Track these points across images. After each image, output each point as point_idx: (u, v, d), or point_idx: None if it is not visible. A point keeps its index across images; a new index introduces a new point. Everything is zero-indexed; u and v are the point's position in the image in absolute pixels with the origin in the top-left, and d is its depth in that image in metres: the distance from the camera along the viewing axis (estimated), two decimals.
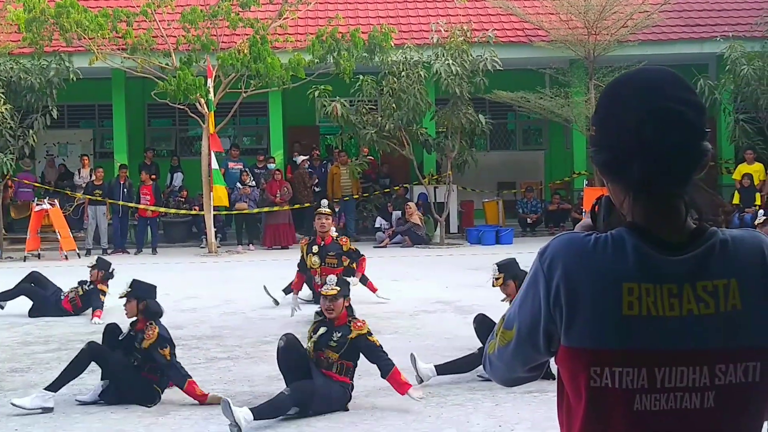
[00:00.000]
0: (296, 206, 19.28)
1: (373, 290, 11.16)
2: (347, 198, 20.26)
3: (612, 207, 1.86)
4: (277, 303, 11.19)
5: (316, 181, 20.69)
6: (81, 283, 11.16)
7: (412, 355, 7.48)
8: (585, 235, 1.80)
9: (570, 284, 1.76)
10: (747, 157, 19.40)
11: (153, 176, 19.47)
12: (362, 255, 10.44)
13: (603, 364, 1.74)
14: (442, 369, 7.42)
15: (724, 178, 20.86)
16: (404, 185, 21.33)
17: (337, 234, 10.22)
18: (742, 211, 18.45)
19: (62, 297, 11.14)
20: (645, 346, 1.73)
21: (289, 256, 17.08)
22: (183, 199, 20.57)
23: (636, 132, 1.74)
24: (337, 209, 20.06)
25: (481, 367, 7.34)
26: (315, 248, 9.84)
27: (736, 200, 18.90)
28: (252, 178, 19.66)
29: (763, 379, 1.75)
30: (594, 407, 1.76)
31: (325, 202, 10.72)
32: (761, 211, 16.09)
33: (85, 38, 18.15)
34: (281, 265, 14.41)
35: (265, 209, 19.26)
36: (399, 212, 19.89)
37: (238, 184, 19.52)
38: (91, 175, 19.73)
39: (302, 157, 21.12)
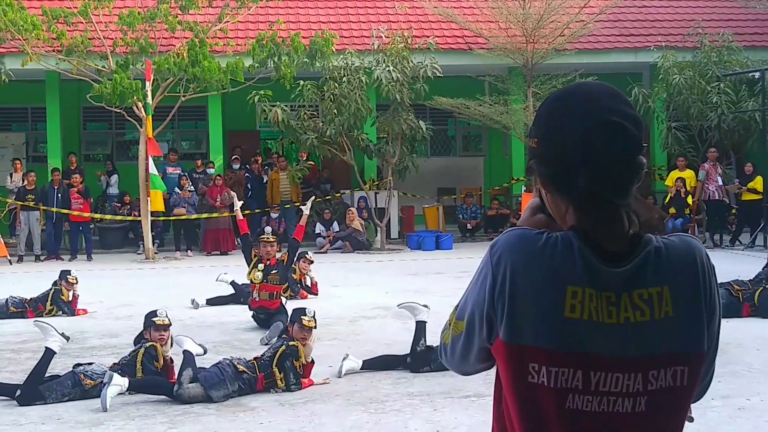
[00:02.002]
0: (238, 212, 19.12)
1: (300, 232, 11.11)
2: (288, 206, 20.17)
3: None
4: (232, 285, 11.89)
5: (248, 186, 20.55)
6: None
7: (346, 355, 7.83)
8: (536, 233, 1.82)
9: (514, 281, 1.79)
10: (679, 164, 19.83)
11: (82, 180, 19.04)
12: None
13: (540, 362, 1.76)
14: (368, 363, 7.86)
15: (657, 184, 21.29)
16: (344, 191, 21.34)
17: (279, 254, 10.42)
18: (676, 216, 18.84)
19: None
20: (583, 349, 1.76)
21: (229, 262, 16.97)
22: (120, 205, 20.28)
23: (581, 144, 1.77)
24: (275, 215, 20.01)
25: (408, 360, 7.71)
26: (261, 266, 10.15)
27: (669, 206, 19.28)
28: (191, 183, 19.46)
29: (690, 383, 1.81)
30: (528, 403, 1.79)
31: (268, 229, 11.00)
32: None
33: (18, 38, 17.76)
34: (220, 271, 14.28)
35: (204, 215, 19.08)
36: (335, 222, 19.89)
37: (177, 189, 19.32)
38: (23, 180, 19.30)
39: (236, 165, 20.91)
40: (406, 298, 11.17)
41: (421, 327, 7.89)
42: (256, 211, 20.23)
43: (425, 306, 7.97)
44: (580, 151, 1.77)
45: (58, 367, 7.45)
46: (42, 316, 10.93)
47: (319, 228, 19.92)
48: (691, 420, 1.94)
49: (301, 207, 11.47)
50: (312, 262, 12.51)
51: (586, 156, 1.76)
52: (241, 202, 11.67)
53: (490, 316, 1.82)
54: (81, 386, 7.10)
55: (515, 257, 1.80)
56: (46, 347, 7.24)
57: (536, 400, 1.78)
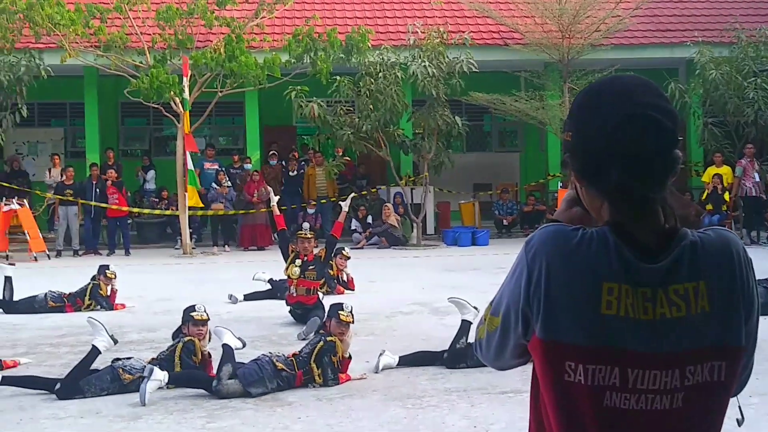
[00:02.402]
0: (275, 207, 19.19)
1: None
2: (324, 200, 20.20)
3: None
4: (269, 282, 11.98)
5: (282, 180, 20.64)
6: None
7: (382, 351, 7.86)
8: (572, 229, 1.82)
9: (550, 278, 1.78)
10: (716, 160, 19.60)
11: (117, 176, 19.18)
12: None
13: (577, 359, 1.76)
14: (405, 359, 7.87)
15: (694, 181, 21.06)
16: (380, 187, 21.33)
17: (317, 250, 10.43)
18: (713, 213, 18.62)
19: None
20: (620, 345, 1.75)
21: (266, 257, 17.04)
22: (157, 200, 20.43)
23: (614, 138, 1.76)
24: (312, 210, 20.05)
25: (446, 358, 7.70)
26: (298, 262, 10.18)
27: (705, 202, 19.06)
28: (228, 179, 19.55)
29: (728, 378, 1.80)
30: (565, 401, 1.78)
31: (306, 225, 10.99)
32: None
33: (56, 34, 17.92)
34: (257, 267, 14.33)
35: (242, 211, 19.17)
36: (371, 218, 19.89)
37: (214, 185, 19.41)
38: (61, 175, 19.51)
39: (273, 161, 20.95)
40: (442, 294, 11.14)
41: (465, 326, 7.86)
42: (293, 207, 20.32)
43: (475, 308, 7.91)
44: (613, 144, 1.76)
45: (97, 361, 7.50)
46: (81, 310, 11.04)
47: (354, 224, 19.94)
48: (741, 422, 1.91)
49: (340, 203, 11.46)
50: (349, 258, 12.52)
51: (618, 150, 1.76)
52: (278, 197, 11.69)
53: (525, 313, 1.82)
54: (120, 381, 7.15)
55: (551, 253, 1.79)
56: (93, 345, 7.29)
57: (573, 399, 1.77)
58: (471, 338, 7.87)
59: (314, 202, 20.23)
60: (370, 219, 19.91)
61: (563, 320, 1.76)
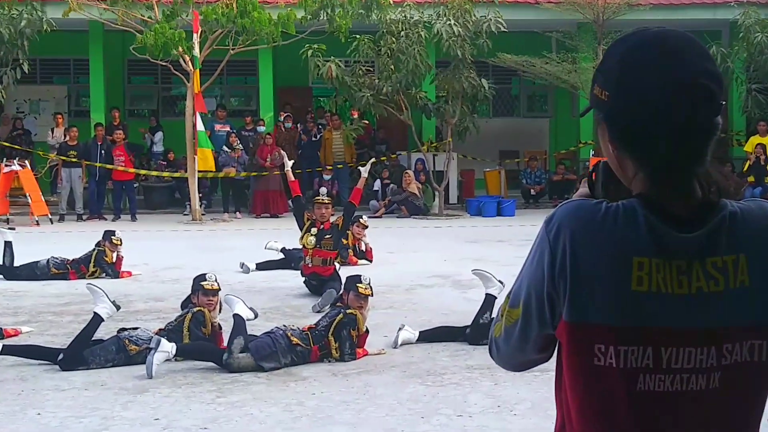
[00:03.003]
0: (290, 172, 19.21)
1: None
2: (341, 165, 20.20)
3: (611, 175, 1.84)
4: (282, 251, 12.06)
5: (300, 142, 20.64)
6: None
7: (402, 325, 7.89)
8: (595, 203, 1.79)
9: (576, 255, 1.75)
10: (759, 129, 19.39)
11: (124, 137, 19.19)
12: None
13: (608, 341, 1.74)
14: (425, 335, 7.89)
15: (735, 150, 20.87)
16: (400, 152, 21.28)
17: (334, 218, 10.45)
18: (755, 185, 18.46)
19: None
20: (653, 323, 1.73)
21: (279, 225, 17.07)
22: (165, 163, 20.47)
23: (663, 107, 1.71)
24: (328, 176, 20.05)
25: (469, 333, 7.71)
26: (314, 230, 10.19)
27: (747, 174, 18.90)
28: (240, 142, 19.55)
29: None
30: (594, 386, 1.77)
31: (323, 190, 10.99)
32: None
33: None
34: (270, 235, 14.36)
35: (254, 173, 19.19)
36: (391, 186, 19.88)
37: (225, 148, 19.43)
38: (64, 135, 19.57)
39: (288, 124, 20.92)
40: (465, 266, 11.13)
41: (489, 300, 7.85)
42: (308, 170, 20.33)
43: (500, 282, 7.90)
44: (660, 114, 1.71)
45: (102, 331, 7.55)
46: (85, 278, 11.10)
47: (378, 185, 19.90)
48: None
49: (359, 168, 11.44)
50: (366, 227, 12.53)
51: (666, 120, 1.71)
52: (292, 161, 11.68)
53: (551, 296, 1.79)
54: (125, 352, 7.19)
55: (575, 229, 1.76)
56: (95, 312, 7.33)
57: (604, 384, 1.75)
58: (495, 314, 7.87)
59: (331, 168, 20.23)
60: (390, 187, 19.88)
61: (592, 300, 1.74)
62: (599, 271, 1.74)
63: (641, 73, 1.74)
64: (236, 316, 7.32)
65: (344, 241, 11.88)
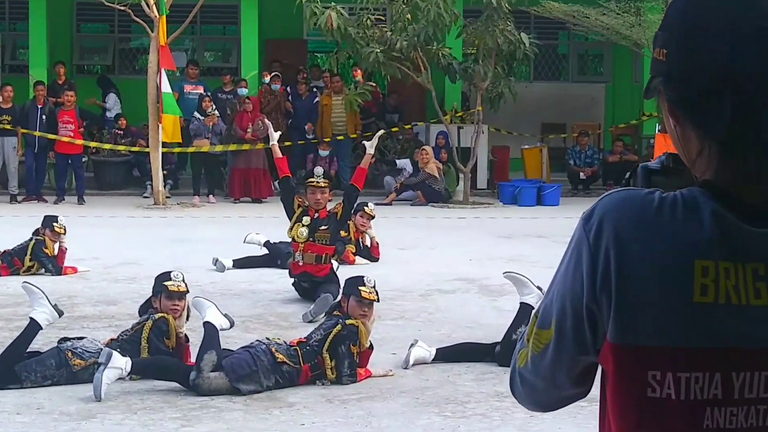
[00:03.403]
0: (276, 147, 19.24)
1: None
2: (341, 137, 20.20)
3: (651, 178, 1.84)
4: (266, 246, 12.13)
5: (290, 111, 20.66)
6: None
7: (415, 341, 7.91)
8: (647, 192, 1.77)
9: (623, 259, 1.74)
10: None
11: (73, 98, 19.14)
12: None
13: (665, 367, 1.72)
14: (443, 353, 7.91)
15: None
16: (417, 124, 21.28)
17: (332, 205, 10.45)
18: None
19: None
20: (722, 343, 1.71)
21: (262, 211, 17.10)
22: (121, 132, 20.49)
23: (730, 61, 1.70)
24: (325, 152, 20.03)
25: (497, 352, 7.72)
26: (306, 219, 10.19)
27: None
28: (215, 107, 19.55)
29: None
30: (649, 424, 1.75)
31: (319, 170, 10.94)
32: None
33: None
34: (252, 225, 14.39)
35: (233, 147, 19.20)
36: (405, 161, 19.89)
37: (197, 114, 19.43)
38: None
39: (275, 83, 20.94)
40: (495, 267, 11.13)
41: (525, 311, 7.84)
42: (300, 142, 20.34)
43: (539, 288, 7.88)
44: (727, 69, 1.71)
45: (40, 341, 7.57)
46: (19, 274, 11.13)
47: (402, 163, 19.90)
48: None
49: (364, 143, 11.43)
50: (372, 216, 12.54)
51: (738, 76, 1.70)
52: (280, 133, 11.67)
53: (591, 311, 1.77)
54: (68, 367, 7.21)
55: (621, 226, 1.75)
56: (31, 318, 7.35)
57: (661, 421, 1.74)
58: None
59: (329, 141, 20.22)
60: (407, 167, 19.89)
61: (643, 315, 1.73)
62: (652, 279, 1.72)
63: (703, 22, 1.74)
64: (207, 325, 7.33)
65: (344, 234, 11.90)
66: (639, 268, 1.73)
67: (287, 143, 18.89)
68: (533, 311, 1.92)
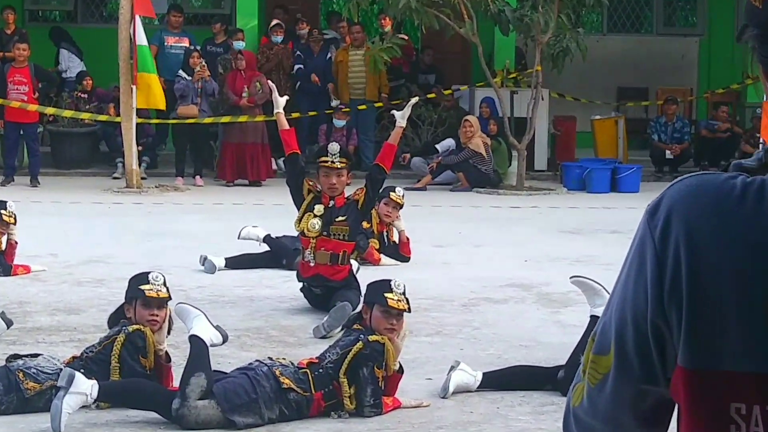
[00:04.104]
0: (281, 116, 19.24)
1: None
2: (363, 106, 20.18)
3: None
4: (266, 241, 12.22)
5: (298, 70, 20.65)
6: None
7: (456, 363, 7.87)
8: (726, 177, 1.77)
9: (697, 263, 1.74)
10: None
11: (26, 53, 19.16)
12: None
13: (752, 398, 1.72)
14: (492, 378, 7.89)
15: None
16: (458, 87, 21.23)
17: (352, 193, 10.37)
18: None
19: None
20: None
21: (263, 197, 17.15)
22: (86, 96, 20.51)
23: None
24: (341, 122, 19.98)
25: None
26: (319, 208, 10.15)
27: None
28: (205, 63, 19.53)
29: None
30: None
31: (335, 146, 10.74)
32: None
33: None
34: (249, 215, 14.41)
35: (225, 119, 19.22)
36: (448, 142, 19.87)
37: (182, 73, 19.45)
38: None
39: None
40: (557, 271, 11.13)
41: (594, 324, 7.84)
42: (311, 113, 20.34)
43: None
44: None
45: None
46: None
47: (447, 144, 19.92)
48: None
49: (393, 112, 11.38)
50: (402, 205, 12.50)
51: None
52: (286, 98, 11.63)
53: (658, 329, 1.78)
54: (20, 392, 7.24)
55: (694, 221, 1.75)
56: None
57: None
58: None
59: (347, 110, 20.21)
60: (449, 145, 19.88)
61: (723, 334, 1.73)
62: (734, 287, 1.72)
63: None
64: (194, 340, 7.35)
65: (366, 226, 11.88)
66: (717, 273, 1.73)
67: (294, 114, 18.90)
68: (590, 335, 1.92)
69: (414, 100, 11.98)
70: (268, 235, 12.25)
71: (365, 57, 20.17)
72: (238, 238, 12.31)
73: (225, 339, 7.76)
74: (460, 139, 19.43)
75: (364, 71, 20.30)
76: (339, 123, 20.20)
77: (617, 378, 1.84)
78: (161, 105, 18.40)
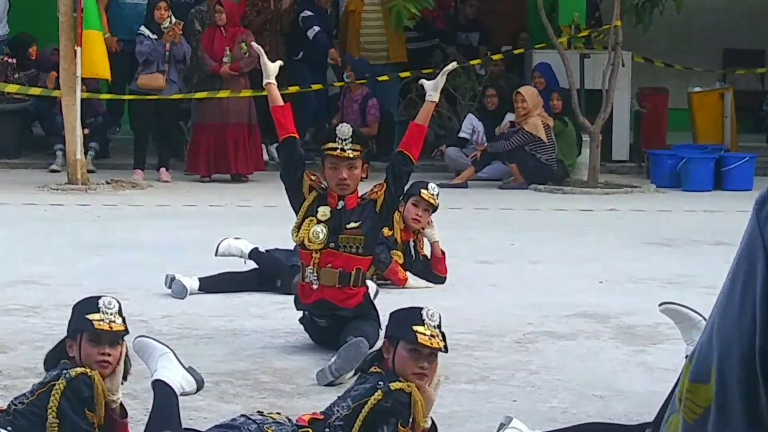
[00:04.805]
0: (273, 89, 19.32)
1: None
2: (384, 77, 20.21)
3: None
4: (252, 257, 12.21)
5: (316, 35, 20.69)
6: None
7: (507, 419, 7.82)
8: None
9: None
10: None
11: None
12: None
13: None
14: None
15: None
16: (507, 49, 21.29)
17: (368, 191, 10.33)
18: None
19: None
20: None
21: (249, 195, 17.18)
22: (14, 61, 20.59)
23: None
24: (357, 97, 20.02)
25: None
26: (323, 211, 10.10)
27: None
28: (172, 18, 19.58)
29: None
30: None
31: (345, 128, 10.62)
32: None
33: None
34: (230, 219, 14.44)
35: (200, 95, 19.27)
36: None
37: (145, 31, 19.48)
38: None
39: None
40: (643, 295, 11.11)
41: None
42: (314, 87, 20.37)
43: None
44: None
45: None
46: None
47: (469, 123, 19.87)
48: None
49: (422, 83, 11.30)
50: (435, 207, 12.48)
51: None
52: (279, 63, 11.58)
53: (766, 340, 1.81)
54: None
55: None
56: None
57: None
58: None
59: (363, 81, 20.24)
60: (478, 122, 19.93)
61: None
62: None
63: None
64: (159, 387, 7.39)
65: (387, 233, 11.89)
66: None
67: (292, 89, 18.93)
68: (686, 357, 1.94)
69: (450, 66, 11.82)
70: (255, 248, 12.22)
71: (383, 10, 20.20)
72: (216, 254, 12.30)
73: (200, 386, 7.79)
74: (515, 117, 19.45)
75: (383, 28, 20.35)
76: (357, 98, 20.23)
77: (719, 417, 1.88)
78: (105, 73, 18.39)
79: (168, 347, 7.69)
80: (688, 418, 1.89)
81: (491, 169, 19.51)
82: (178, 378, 7.44)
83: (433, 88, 10.64)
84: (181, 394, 7.43)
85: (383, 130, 19.77)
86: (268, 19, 20.35)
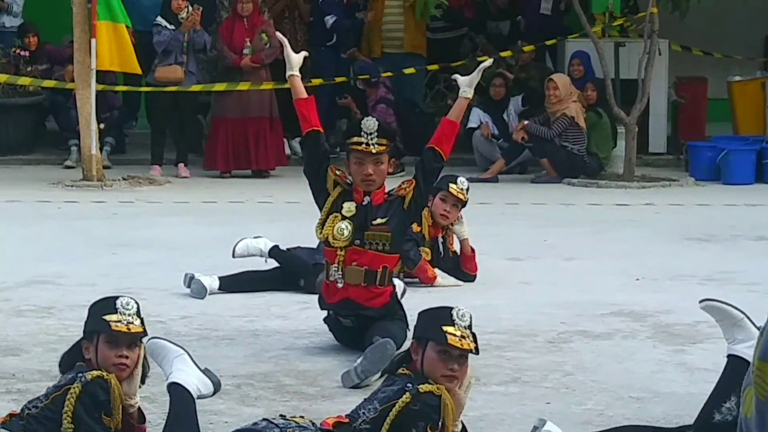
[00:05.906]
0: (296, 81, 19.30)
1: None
2: (411, 70, 20.18)
3: None
4: (273, 255, 12.25)
5: (334, 23, 20.69)
6: None
7: (540, 422, 7.79)
8: None
9: None
10: None
11: None
12: None
13: None
14: None
15: None
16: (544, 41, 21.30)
17: (396, 187, 10.28)
18: None
19: None
20: None
21: (271, 191, 17.18)
22: (27, 53, 20.60)
23: None
24: (385, 92, 19.99)
25: None
26: (348, 206, 10.08)
27: None
28: (191, 7, 19.58)
29: None
30: None
31: (371, 122, 10.56)
32: None
33: None
34: (250, 216, 14.44)
35: (220, 86, 19.27)
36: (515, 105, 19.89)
37: (162, 21, 19.48)
38: None
39: None
40: (684, 293, 11.10)
41: (737, 369, 7.79)
42: (338, 80, 20.35)
43: (760, 329, 7.80)
44: None
45: None
46: None
47: (478, 117, 19.84)
48: None
49: (456, 78, 11.21)
50: (464, 203, 12.47)
51: None
52: (304, 54, 11.54)
53: None
54: None
55: None
56: None
57: None
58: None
59: (389, 74, 20.21)
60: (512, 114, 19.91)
61: None
62: None
63: None
64: (175, 391, 7.39)
65: (416, 229, 11.88)
66: None
67: (315, 80, 18.93)
68: (758, 331, 1.95)
69: (486, 62, 11.64)
70: (276, 246, 12.20)
71: (407, 2, 20.17)
72: (233, 256, 12.29)
73: (217, 388, 7.78)
74: (546, 108, 19.42)
75: (407, 21, 20.33)
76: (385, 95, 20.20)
77: None
78: (135, 68, 18.41)
79: (183, 349, 7.68)
80: (759, 394, 1.92)
81: (522, 162, 19.53)
82: (194, 380, 7.43)
83: (467, 84, 10.59)
84: (198, 398, 7.42)
85: (405, 125, 19.67)
86: (286, 6, 20.35)
